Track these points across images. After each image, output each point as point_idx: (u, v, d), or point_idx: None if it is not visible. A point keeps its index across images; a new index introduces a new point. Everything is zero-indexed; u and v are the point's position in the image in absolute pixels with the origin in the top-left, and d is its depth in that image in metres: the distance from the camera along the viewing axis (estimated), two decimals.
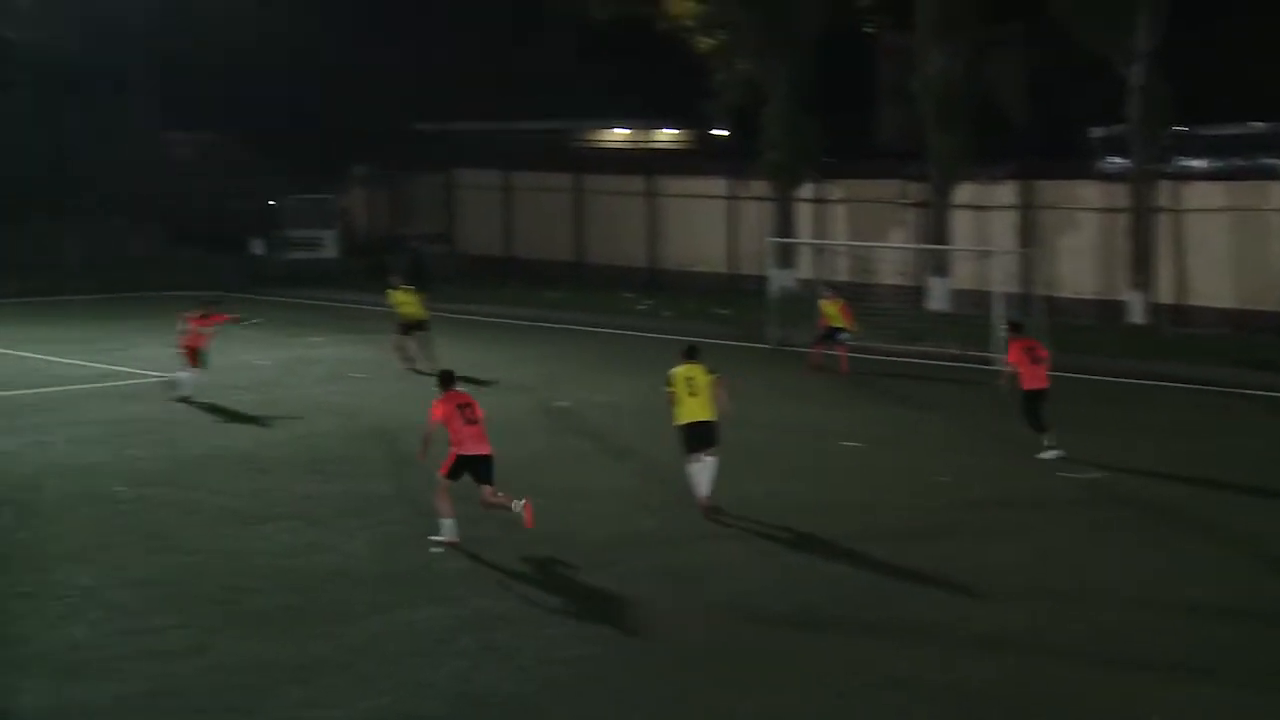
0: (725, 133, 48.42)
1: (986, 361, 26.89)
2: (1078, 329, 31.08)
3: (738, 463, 18.56)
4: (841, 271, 35.49)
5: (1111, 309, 33.89)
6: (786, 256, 36.92)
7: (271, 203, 48.11)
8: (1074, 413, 20.90)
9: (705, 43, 43.86)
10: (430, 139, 50.36)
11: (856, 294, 31.76)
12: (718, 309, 35.77)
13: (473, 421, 14.65)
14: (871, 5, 44.29)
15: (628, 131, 52.17)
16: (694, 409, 15.76)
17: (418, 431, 19.13)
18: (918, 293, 35.88)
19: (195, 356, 23.19)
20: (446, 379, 15.26)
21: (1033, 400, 18.90)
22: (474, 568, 13.97)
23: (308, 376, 25.79)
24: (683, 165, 45.67)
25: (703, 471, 15.80)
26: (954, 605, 12.77)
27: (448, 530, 14.58)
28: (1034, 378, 18.87)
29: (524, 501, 14.56)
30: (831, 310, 26.88)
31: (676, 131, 51.98)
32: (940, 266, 35.69)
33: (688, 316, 34.95)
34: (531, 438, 20.25)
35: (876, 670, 11.18)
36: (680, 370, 15.96)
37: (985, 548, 14.68)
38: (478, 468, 14.60)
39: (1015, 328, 20.55)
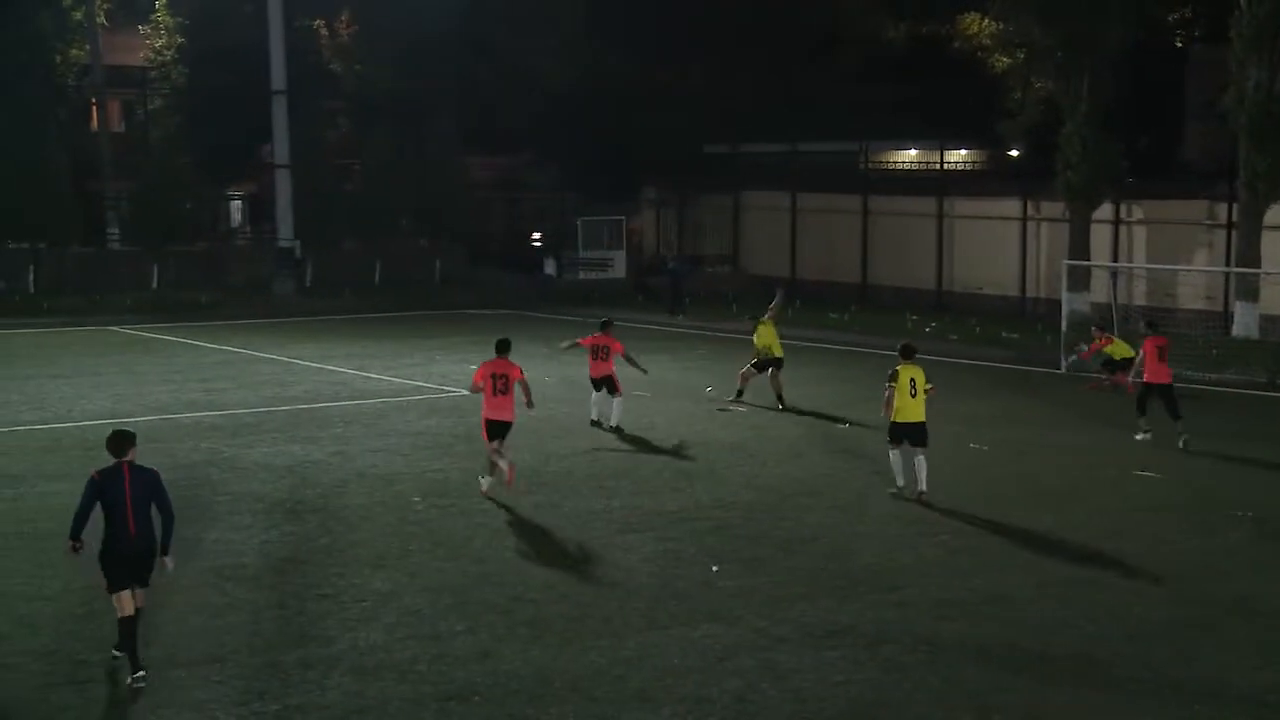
0: (1019, 153, 47.19)
1: None
2: None
3: (1021, 493, 18.06)
4: (1139, 295, 34.09)
5: None
6: (1081, 280, 35.68)
7: (536, 236, 49.51)
8: None
9: (1002, 62, 42.87)
10: (719, 161, 50.88)
11: (1158, 318, 30.46)
12: (1006, 332, 34.85)
13: (502, 391, 17.61)
14: (1182, 19, 42.44)
15: (917, 152, 51.43)
16: (913, 410, 17.47)
17: (697, 450, 19.29)
18: (1223, 318, 34.09)
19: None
20: (502, 346, 18.31)
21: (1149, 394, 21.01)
22: (753, 587, 14.00)
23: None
24: (975, 186, 44.74)
25: (916, 468, 17.41)
26: None
27: (485, 482, 17.70)
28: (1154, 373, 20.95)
29: (509, 462, 17.45)
30: (1112, 349, 25.77)
31: (969, 152, 50.94)
32: (1248, 291, 33.81)
33: (975, 340, 34.18)
34: (809, 458, 20.17)
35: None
36: (904, 370, 17.47)
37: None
38: (498, 430, 17.65)
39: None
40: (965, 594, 13.78)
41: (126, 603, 11.30)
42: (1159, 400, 21.20)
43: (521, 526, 16.43)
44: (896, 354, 18.04)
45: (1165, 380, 21.11)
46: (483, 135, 51.97)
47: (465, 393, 26.11)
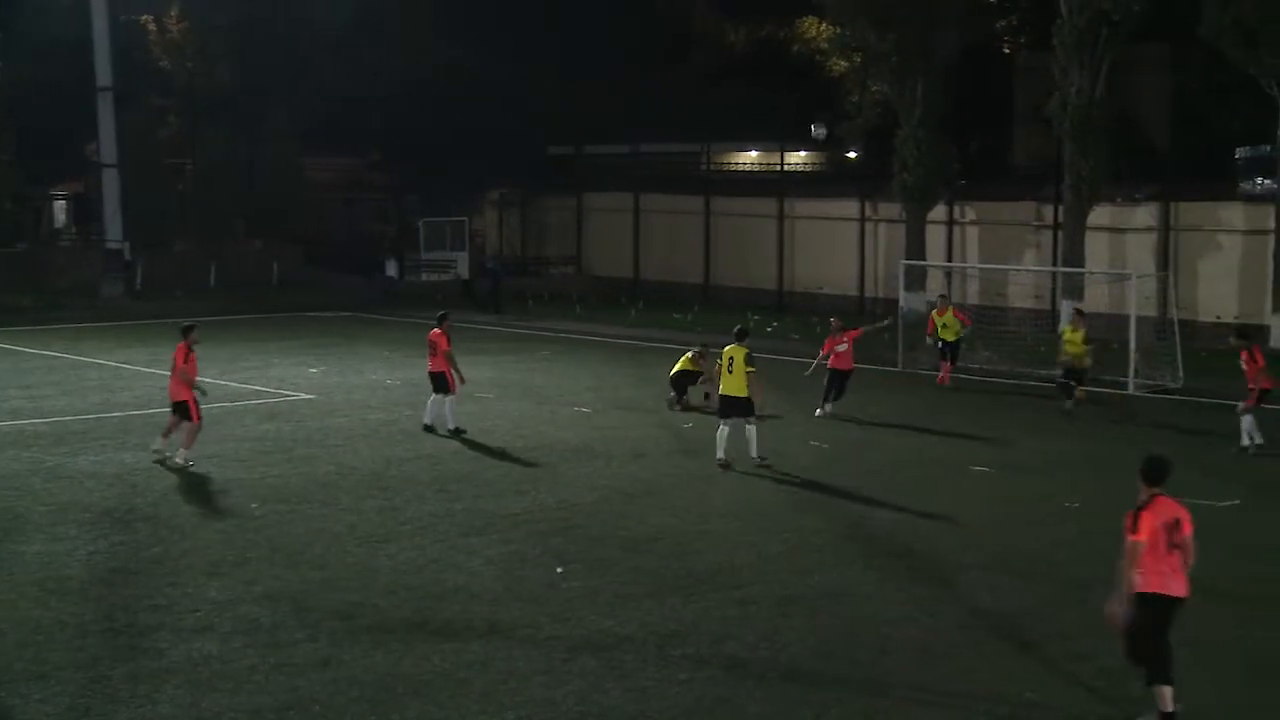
0: (858, 155, 48.15)
1: (1120, 386, 26.30)
2: (1217, 355, 30.22)
3: (864, 488, 18.41)
4: (972, 294, 35.05)
5: (1253, 333, 32.83)
6: (917, 279, 36.53)
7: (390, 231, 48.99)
8: (1216, 442, 20.53)
9: (840, 65, 43.60)
10: (563, 162, 50.95)
11: (988, 317, 31.36)
12: None
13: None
14: (1009, 26, 43.72)
15: (758, 154, 52.16)
16: (731, 384, 19.25)
17: (541, 452, 19.29)
18: (1051, 317, 35.22)
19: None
20: (441, 318, 22.15)
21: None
22: (597, 587, 14.01)
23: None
24: (814, 188, 45.53)
25: (748, 437, 19.24)
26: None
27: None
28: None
29: None
30: (945, 319, 26.71)
31: (808, 154, 51.83)
32: (1073, 289, 34.99)
33: (815, 339, 34.67)
34: (653, 458, 20.27)
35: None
36: (727, 350, 19.41)
37: None
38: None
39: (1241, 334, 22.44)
40: (806, 590, 13.97)
41: None
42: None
43: (363, 531, 16.20)
44: None
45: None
46: (324, 135, 51.22)
47: (304, 397, 25.79)
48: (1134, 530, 10.28)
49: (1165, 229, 35.42)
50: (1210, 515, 16.05)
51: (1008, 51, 48.46)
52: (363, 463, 20.00)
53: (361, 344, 34.20)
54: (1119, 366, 26.90)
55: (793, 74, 49.29)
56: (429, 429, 22.26)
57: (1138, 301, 26.98)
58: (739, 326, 20.28)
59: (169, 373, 20.40)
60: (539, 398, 25.89)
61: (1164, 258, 35.00)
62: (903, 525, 16.55)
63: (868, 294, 41.11)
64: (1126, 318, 26.92)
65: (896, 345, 29.83)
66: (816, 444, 21.44)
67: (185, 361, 19.75)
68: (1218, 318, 34.08)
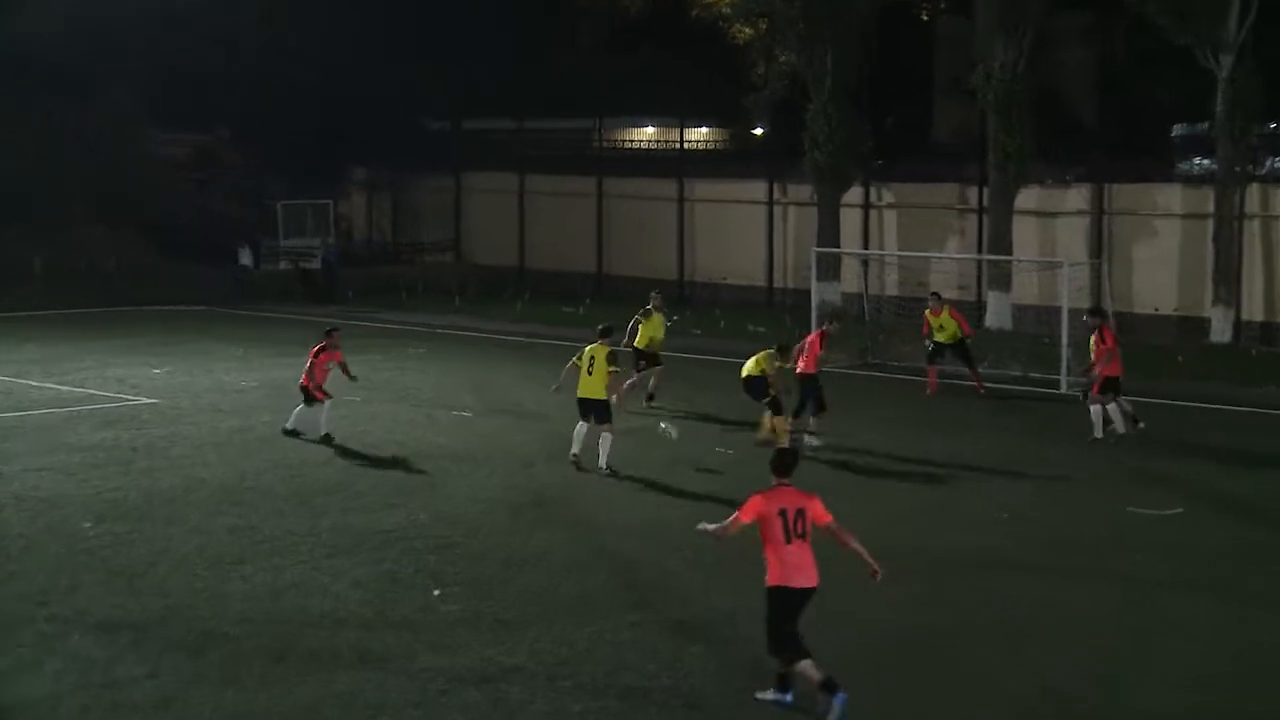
0: (764, 131, 48.40)
1: (1050, 384, 26.68)
2: (1156, 349, 30.82)
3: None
4: (891, 285, 35.34)
5: (1193, 326, 33.59)
6: (831, 268, 36.80)
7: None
8: (1157, 440, 20.95)
9: (744, 32, 43.81)
10: (438, 139, 50.52)
11: (905, 309, 31.62)
12: (754, 325, 35.61)
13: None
14: None
15: (656, 130, 52.21)
16: (588, 386, 19.80)
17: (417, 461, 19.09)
18: (976, 308, 35.67)
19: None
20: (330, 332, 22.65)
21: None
22: (479, 611, 13.84)
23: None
24: (717, 167, 45.66)
25: (600, 444, 19.72)
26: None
27: None
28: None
29: None
30: (941, 320, 26.48)
31: (710, 130, 51.99)
32: (1001, 279, 35.45)
33: (720, 334, 34.83)
34: (541, 469, 20.13)
35: None
36: (588, 349, 19.99)
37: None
38: None
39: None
40: (706, 612, 13.93)
41: None
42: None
43: (213, 553, 15.86)
44: None
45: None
46: (169, 108, 50.18)
47: (146, 401, 25.24)
48: (744, 512, 11.52)
49: (1098, 213, 36.02)
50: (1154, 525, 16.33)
51: (926, 18, 49.00)
52: (213, 475, 19.62)
53: (212, 341, 33.59)
54: (1051, 364, 27.27)
55: (692, 42, 49.37)
56: (291, 433, 21.90)
57: (1070, 293, 27.34)
58: (602, 325, 20.88)
59: None
60: (414, 400, 25.63)
61: (1097, 244, 35.60)
62: None
63: (776, 284, 41.30)
64: (1058, 310, 27.28)
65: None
66: (722, 450, 21.45)
67: None
68: (1155, 309, 34.75)
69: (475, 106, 49.02)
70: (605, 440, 19.77)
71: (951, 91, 41.88)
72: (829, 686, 11.16)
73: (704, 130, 51.79)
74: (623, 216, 44.95)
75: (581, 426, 20.05)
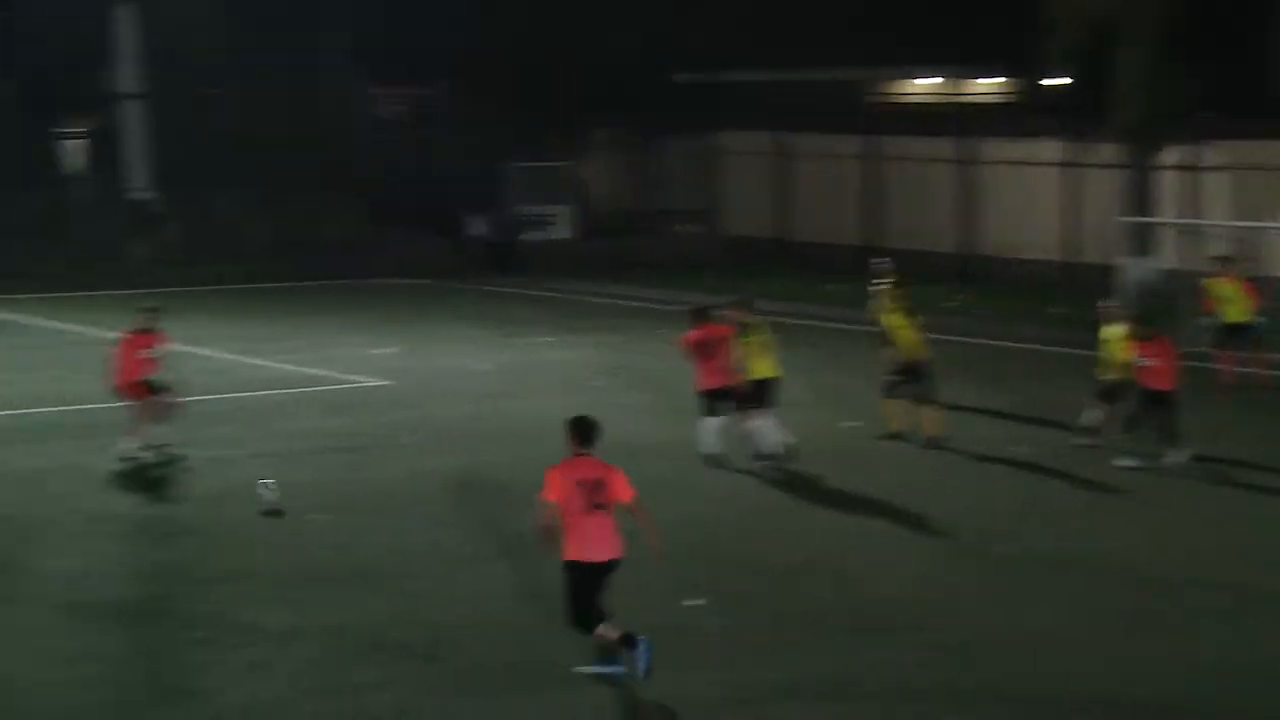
0: (1063, 82, 47.42)
1: None
2: None
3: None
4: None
5: None
6: (1144, 241, 35.89)
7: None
8: None
9: None
10: (690, 93, 50.73)
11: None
12: (1050, 307, 35.04)
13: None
14: None
15: (936, 82, 51.64)
16: (765, 366, 19.96)
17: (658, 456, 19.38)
18: None
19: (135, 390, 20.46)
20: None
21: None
22: (740, 626, 14.02)
23: (536, 385, 26.36)
24: (1007, 124, 44.94)
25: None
26: None
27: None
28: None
29: None
30: (1227, 291, 25.65)
31: (999, 81, 51.17)
32: None
33: (1010, 317, 34.34)
34: (803, 465, 20.17)
35: None
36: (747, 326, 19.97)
37: None
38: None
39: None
40: (1002, 631, 13.87)
41: None
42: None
43: (447, 550, 16.37)
44: None
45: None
46: (385, 57, 51.37)
47: (372, 383, 26.13)
48: (546, 491, 12.30)
49: None
50: None
51: None
52: (445, 465, 20.22)
53: (440, 318, 34.59)
54: None
55: None
56: (715, 458, 20.25)
57: None
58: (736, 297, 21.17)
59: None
60: (659, 388, 25.83)
61: None
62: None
63: (1076, 259, 40.50)
64: None
65: None
66: (1015, 448, 21.19)
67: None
68: None
69: (731, 57, 49.10)
70: (761, 427, 19.70)
71: None
72: (629, 641, 12.28)
73: (989, 81, 51.00)
74: (898, 180, 44.60)
75: (763, 419, 19.84)
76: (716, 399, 20.03)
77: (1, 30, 46.75)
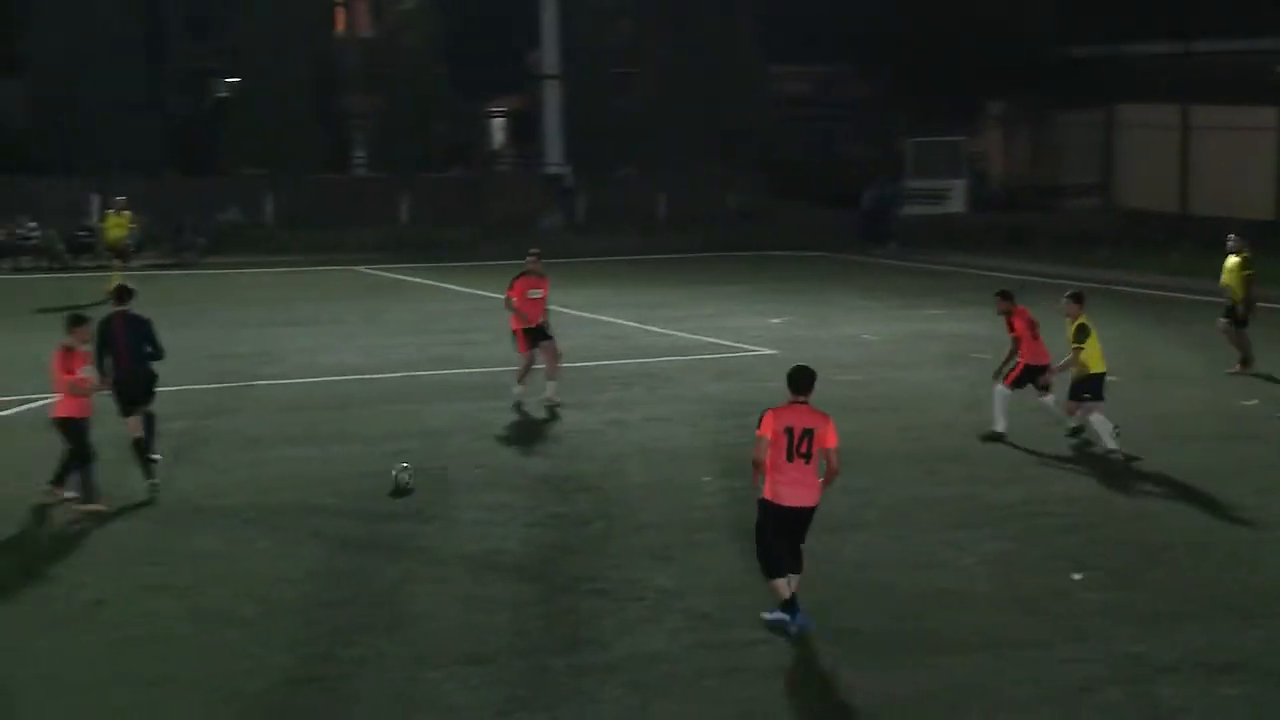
0: None
1: None
2: None
3: None
4: None
5: None
6: None
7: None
8: None
9: None
10: (1087, 67, 49.42)
11: None
12: None
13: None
14: None
15: None
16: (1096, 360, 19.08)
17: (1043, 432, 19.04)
18: None
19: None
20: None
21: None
22: (1121, 603, 13.73)
23: (922, 356, 26.25)
24: None
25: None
26: None
27: None
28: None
29: None
30: None
31: None
32: None
33: None
34: (1188, 448, 19.53)
35: None
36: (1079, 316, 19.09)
37: None
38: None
39: None
40: None
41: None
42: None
43: (826, 516, 16.48)
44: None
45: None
46: (788, 40, 51.72)
47: (764, 352, 26.46)
48: (760, 427, 12.59)
49: None
50: None
51: None
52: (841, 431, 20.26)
53: (832, 290, 34.72)
54: None
55: None
56: (1074, 432, 20.11)
57: None
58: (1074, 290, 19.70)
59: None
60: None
61: None
62: None
63: None
64: None
65: None
66: None
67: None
68: None
69: (1132, 28, 47.51)
70: (1102, 421, 19.06)
71: None
72: (790, 608, 12.64)
73: None
74: None
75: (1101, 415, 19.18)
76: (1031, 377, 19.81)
77: (436, 17, 48.81)
